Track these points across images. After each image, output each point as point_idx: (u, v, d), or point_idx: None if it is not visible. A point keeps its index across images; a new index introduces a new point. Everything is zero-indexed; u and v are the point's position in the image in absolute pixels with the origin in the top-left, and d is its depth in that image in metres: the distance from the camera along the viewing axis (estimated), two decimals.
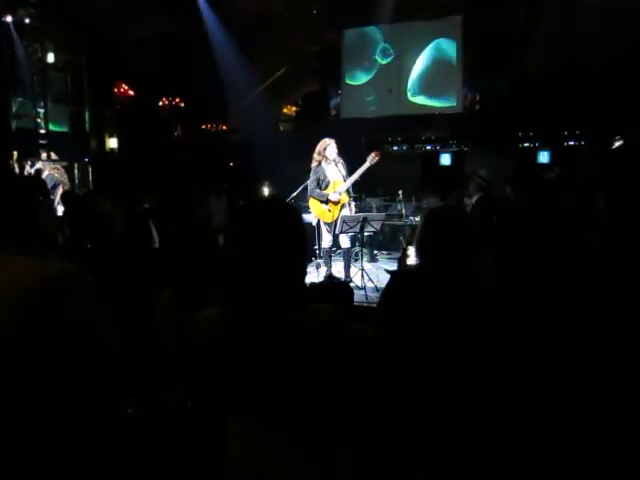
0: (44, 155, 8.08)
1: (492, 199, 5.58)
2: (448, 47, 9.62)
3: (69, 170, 8.73)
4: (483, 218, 5.22)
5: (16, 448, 1.33)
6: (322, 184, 5.12)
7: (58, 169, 7.04)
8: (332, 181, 5.12)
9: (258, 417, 1.32)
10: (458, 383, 1.58)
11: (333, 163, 5.15)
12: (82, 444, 1.40)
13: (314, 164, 5.17)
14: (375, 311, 1.76)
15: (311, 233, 6.54)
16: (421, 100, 9.92)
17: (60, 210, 5.00)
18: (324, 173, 5.13)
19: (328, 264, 5.39)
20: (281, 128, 11.21)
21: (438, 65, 9.73)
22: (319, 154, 5.13)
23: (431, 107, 9.84)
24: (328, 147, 5.09)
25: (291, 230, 1.30)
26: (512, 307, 1.70)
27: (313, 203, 5.22)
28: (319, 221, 5.41)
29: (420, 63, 9.86)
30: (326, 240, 5.32)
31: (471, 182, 5.76)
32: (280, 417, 1.30)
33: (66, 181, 7.15)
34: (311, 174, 5.18)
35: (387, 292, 1.81)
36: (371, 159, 5.12)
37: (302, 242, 1.33)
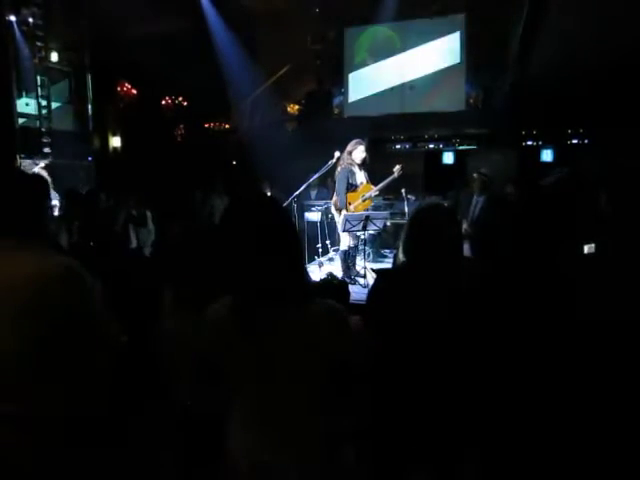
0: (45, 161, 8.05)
1: (500, 199, 5.61)
2: (451, 46, 9.59)
3: (73, 168, 8.76)
4: (493, 218, 5.21)
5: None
6: (350, 188, 5.12)
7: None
8: (359, 184, 5.17)
9: (260, 407, 1.33)
10: (439, 381, 1.59)
11: (362, 167, 5.22)
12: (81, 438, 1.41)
13: (342, 167, 5.14)
14: (363, 309, 1.78)
15: (313, 232, 6.56)
16: (424, 98, 9.89)
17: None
18: (354, 177, 5.14)
19: (343, 266, 5.32)
20: (284, 127, 11.20)
21: (441, 63, 9.71)
22: (358, 159, 5.11)
23: (434, 105, 9.81)
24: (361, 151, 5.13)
25: (276, 228, 1.31)
26: (504, 307, 1.71)
27: (352, 197, 5.18)
28: (324, 221, 5.40)
29: (423, 61, 9.84)
30: (344, 242, 5.27)
31: (474, 180, 5.78)
32: (282, 407, 1.32)
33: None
34: (341, 175, 5.13)
35: (372, 291, 1.83)
36: (397, 170, 5.28)
37: (289, 239, 1.33)
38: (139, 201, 5.79)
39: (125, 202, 5.54)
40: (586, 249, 2.49)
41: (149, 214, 5.86)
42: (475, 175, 5.82)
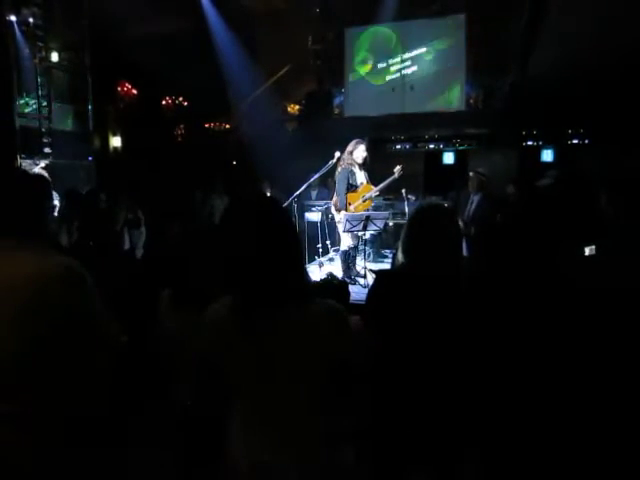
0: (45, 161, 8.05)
1: (495, 197, 5.63)
2: (451, 46, 9.59)
3: (73, 168, 8.77)
4: (487, 216, 5.23)
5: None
6: (350, 188, 5.12)
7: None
8: (360, 184, 5.16)
9: (260, 407, 1.33)
10: (439, 381, 1.59)
11: (362, 167, 5.21)
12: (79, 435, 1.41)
13: (343, 167, 5.13)
14: (363, 310, 1.78)
15: (313, 232, 6.56)
16: (424, 98, 9.89)
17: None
18: (355, 177, 5.13)
19: (344, 266, 5.31)
20: (284, 127, 11.20)
21: (441, 63, 9.71)
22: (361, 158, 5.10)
23: (434, 105, 9.81)
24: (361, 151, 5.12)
25: (275, 228, 1.31)
26: (500, 307, 1.71)
27: (352, 197, 5.18)
28: (324, 221, 5.38)
29: (424, 61, 9.84)
30: (345, 242, 5.26)
31: (471, 179, 5.78)
32: (282, 407, 1.32)
33: None
34: (341, 176, 5.13)
35: (371, 291, 1.83)
36: (398, 171, 5.27)
37: (289, 240, 1.33)
38: (133, 203, 5.78)
39: (124, 202, 5.54)
40: (587, 251, 2.49)
41: (141, 216, 5.85)
42: (471, 174, 5.81)
